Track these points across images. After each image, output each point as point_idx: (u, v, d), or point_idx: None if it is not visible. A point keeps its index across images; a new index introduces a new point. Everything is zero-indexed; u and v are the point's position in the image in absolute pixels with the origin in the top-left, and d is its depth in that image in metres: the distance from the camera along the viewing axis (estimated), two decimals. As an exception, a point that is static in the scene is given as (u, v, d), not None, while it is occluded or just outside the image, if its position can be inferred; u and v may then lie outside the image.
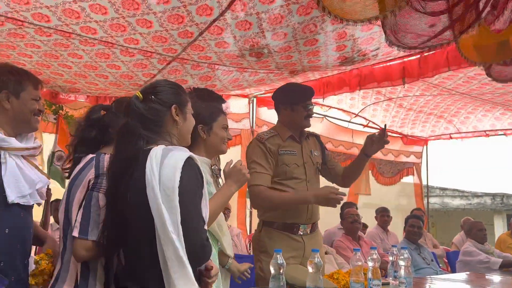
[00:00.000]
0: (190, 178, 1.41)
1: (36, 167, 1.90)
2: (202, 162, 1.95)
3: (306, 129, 2.66)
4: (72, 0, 2.13)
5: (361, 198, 6.96)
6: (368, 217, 5.98)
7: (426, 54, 3.35)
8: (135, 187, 1.40)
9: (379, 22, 2.27)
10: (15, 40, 2.62)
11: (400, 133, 6.68)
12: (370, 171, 6.98)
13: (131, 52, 2.80)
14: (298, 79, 4.02)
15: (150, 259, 1.36)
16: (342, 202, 5.63)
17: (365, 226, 5.88)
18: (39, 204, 1.94)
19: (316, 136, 2.77)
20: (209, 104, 2.07)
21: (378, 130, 2.83)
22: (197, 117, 1.85)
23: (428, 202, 7.59)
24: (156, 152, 1.41)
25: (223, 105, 2.15)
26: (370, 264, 2.08)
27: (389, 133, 6.86)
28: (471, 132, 6.25)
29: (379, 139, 2.62)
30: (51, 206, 4.37)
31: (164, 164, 1.38)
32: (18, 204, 1.77)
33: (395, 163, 7.03)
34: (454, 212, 14.25)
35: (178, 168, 1.38)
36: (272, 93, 2.72)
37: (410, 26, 2.33)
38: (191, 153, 1.46)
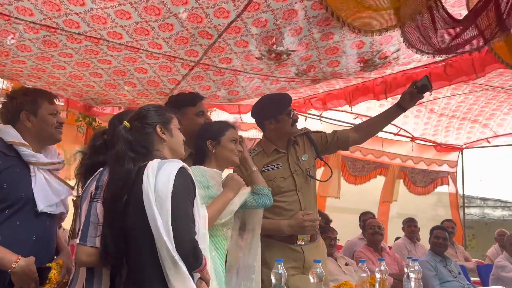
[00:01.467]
0: (182, 185, 1.58)
1: (60, 180, 2.15)
2: (213, 173, 2.08)
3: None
4: (98, 7, 2.26)
5: (394, 208, 6.86)
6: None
7: (451, 61, 3.30)
8: (134, 199, 1.58)
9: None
10: (49, 50, 2.79)
11: (433, 142, 6.51)
12: (401, 180, 6.86)
13: (155, 56, 2.92)
14: (323, 86, 4.04)
15: (150, 263, 1.52)
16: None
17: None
18: (63, 214, 2.14)
19: (306, 134, 2.73)
20: (219, 121, 2.32)
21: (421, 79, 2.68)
22: (206, 132, 2.03)
23: (464, 213, 7.34)
24: (153, 164, 1.60)
25: (229, 120, 2.31)
26: (378, 276, 2.09)
27: (422, 142, 6.71)
28: (510, 134, 5.95)
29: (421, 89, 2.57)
30: None
31: (159, 174, 1.57)
32: (45, 213, 2.00)
33: (428, 172, 6.86)
34: (495, 223, 13.64)
35: (172, 176, 1.56)
36: (251, 112, 2.75)
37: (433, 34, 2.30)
38: (184, 164, 1.65)
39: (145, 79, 3.38)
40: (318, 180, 2.70)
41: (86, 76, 3.31)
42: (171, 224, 1.48)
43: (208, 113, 4.67)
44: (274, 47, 2.79)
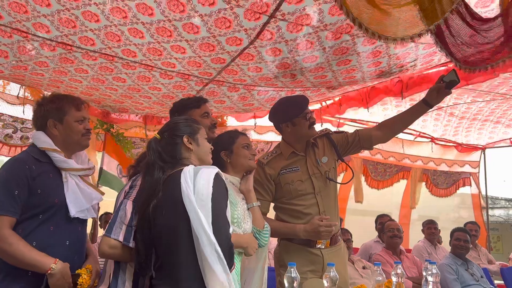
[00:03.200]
0: (219, 189, 1.69)
1: (91, 185, 2.18)
2: (232, 179, 2.14)
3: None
4: (112, 24, 2.29)
5: (416, 210, 6.78)
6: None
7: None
8: (167, 203, 1.66)
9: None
10: (66, 66, 2.85)
11: (454, 142, 6.38)
12: (423, 183, 6.76)
13: (169, 74, 2.93)
14: (336, 93, 4.02)
15: (187, 261, 1.59)
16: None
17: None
18: (93, 218, 2.19)
19: (326, 135, 2.67)
20: (228, 131, 2.32)
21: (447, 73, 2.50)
22: (218, 144, 2.06)
23: (487, 214, 7.16)
24: (189, 169, 1.69)
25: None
26: (394, 279, 2.07)
27: (442, 142, 6.55)
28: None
29: (449, 84, 2.42)
30: (100, 219, 4.68)
31: (198, 178, 1.66)
32: (77, 218, 2.02)
33: (450, 174, 6.73)
34: (520, 224, 13.29)
35: (211, 180, 1.67)
36: (268, 116, 2.72)
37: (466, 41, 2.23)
38: (219, 170, 1.74)
39: (160, 94, 3.42)
40: (338, 182, 2.63)
41: (102, 89, 3.37)
42: (212, 223, 1.57)
43: (224, 117, 4.75)
44: (289, 68, 2.79)
